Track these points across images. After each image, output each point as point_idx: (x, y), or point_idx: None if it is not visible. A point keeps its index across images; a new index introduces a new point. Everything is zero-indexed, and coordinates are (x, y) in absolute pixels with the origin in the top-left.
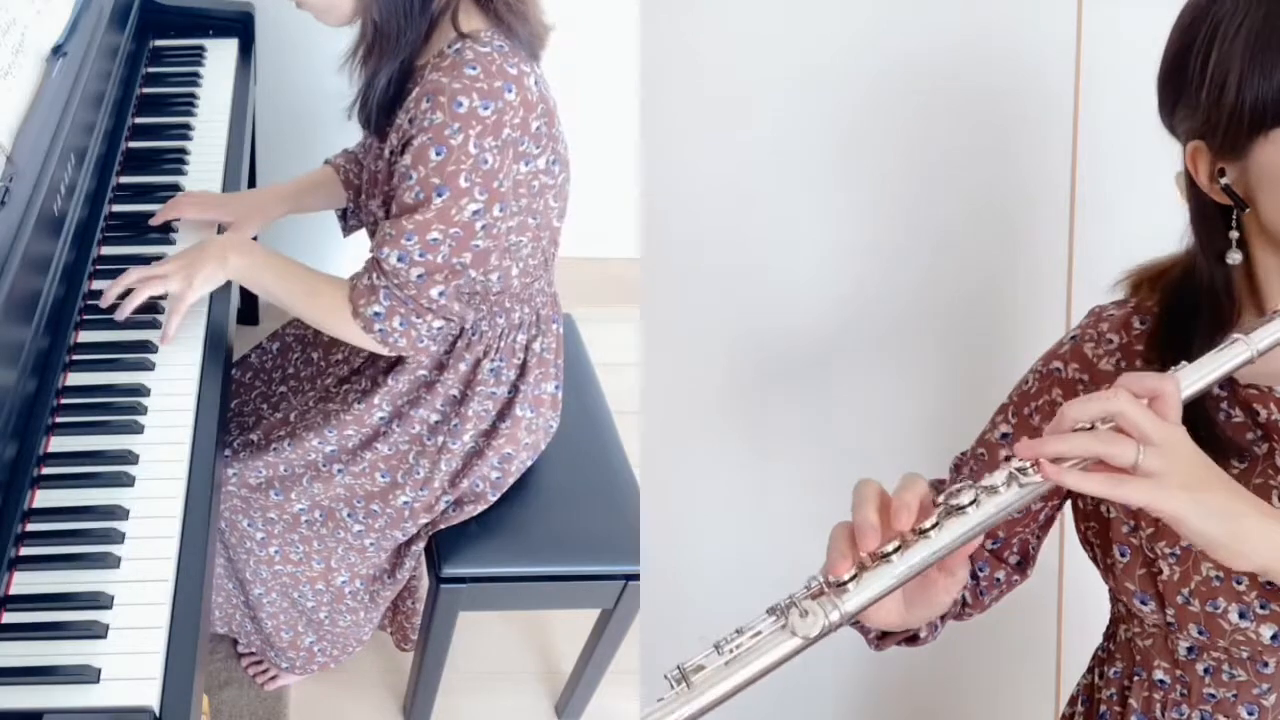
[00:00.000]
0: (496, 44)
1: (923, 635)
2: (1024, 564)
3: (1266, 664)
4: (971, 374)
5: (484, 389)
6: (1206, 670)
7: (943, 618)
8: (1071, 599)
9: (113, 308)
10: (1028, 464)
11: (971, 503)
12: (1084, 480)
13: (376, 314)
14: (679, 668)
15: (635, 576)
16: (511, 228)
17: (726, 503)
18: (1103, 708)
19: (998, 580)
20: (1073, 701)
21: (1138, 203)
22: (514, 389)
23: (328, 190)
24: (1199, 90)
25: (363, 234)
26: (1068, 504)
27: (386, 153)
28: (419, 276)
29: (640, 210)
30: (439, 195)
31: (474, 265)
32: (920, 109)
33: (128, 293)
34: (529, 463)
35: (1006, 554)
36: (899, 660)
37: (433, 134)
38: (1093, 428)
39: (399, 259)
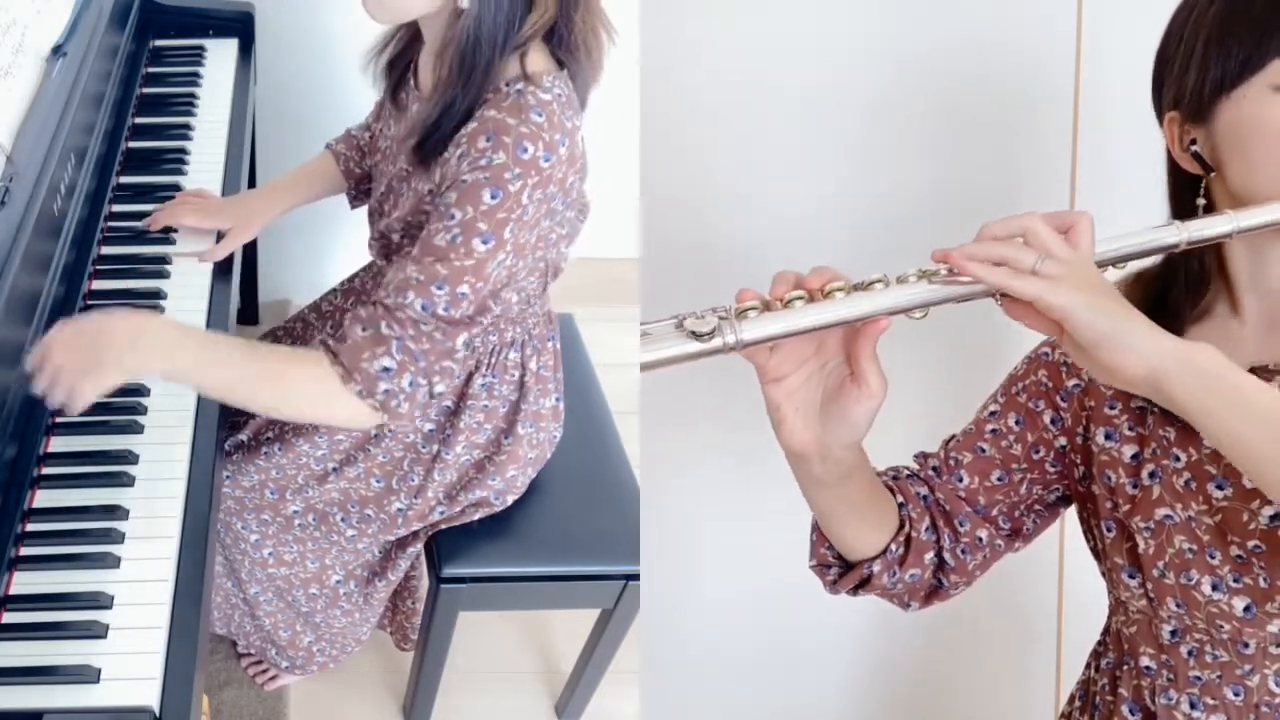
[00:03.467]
0: (557, 90)
1: (875, 571)
2: (1014, 536)
3: (1247, 644)
4: (971, 372)
5: (475, 403)
6: (1190, 653)
7: (901, 562)
8: (1071, 599)
9: (111, 300)
10: (941, 267)
11: (879, 281)
12: (984, 270)
13: (385, 369)
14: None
15: (635, 576)
16: (521, 273)
17: (726, 502)
18: (1097, 699)
19: (980, 539)
20: (1071, 700)
21: (1137, 202)
22: (513, 408)
23: (327, 180)
24: (1174, 64)
25: (362, 227)
26: (1071, 509)
27: (426, 188)
28: (442, 330)
29: (640, 210)
30: (484, 243)
31: (479, 314)
32: (921, 109)
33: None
34: (533, 475)
35: (994, 516)
36: (900, 660)
37: (491, 174)
38: None
39: (423, 307)
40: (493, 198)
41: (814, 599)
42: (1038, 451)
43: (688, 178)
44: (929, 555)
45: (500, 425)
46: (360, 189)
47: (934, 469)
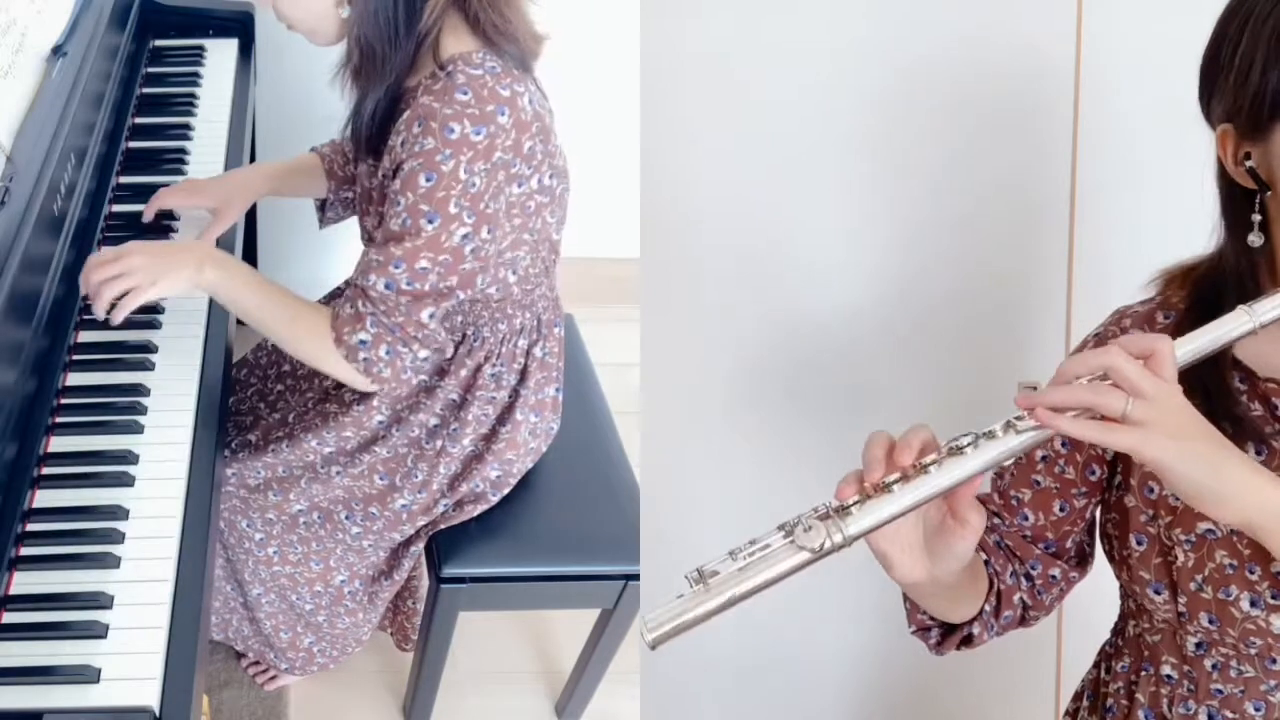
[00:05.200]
0: (489, 65)
1: (976, 632)
2: (1083, 562)
3: (1275, 660)
4: (970, 371)
5: (484, 394)
6: (1215, 666)
7: (996, 614)
8: (1072, 598)
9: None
10: (1025, 413)
11: (970, 444)
12: (1076, 426)
13: (362, 341)
14: (698, 570)
15: (635, 576)
16: (505, 246)
17: (726, 503)
18: (1109, 701)
19: (1053, 577)
20: (1077, 697)
21: (1137, 202)
22: (514, 393)
23: (311, 177)
24: (1228, 75)
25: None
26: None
27: (380, 175)
28: (407, 302)
29: (640, 210)
30: (429, 222)
31: (461, 287)
32: (921, 109)
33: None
34: (530, 465)
35: (1068, 548)
36: (900, 659)
37: (423, 159)
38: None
39: (386, 286)
40: (427, 180)
41: (813, 599)
42: (1092, 472)
43: (688, 178)
44: (1018, 596)
45: (502, 414)
46: (339, 195)
47: (995, 513)
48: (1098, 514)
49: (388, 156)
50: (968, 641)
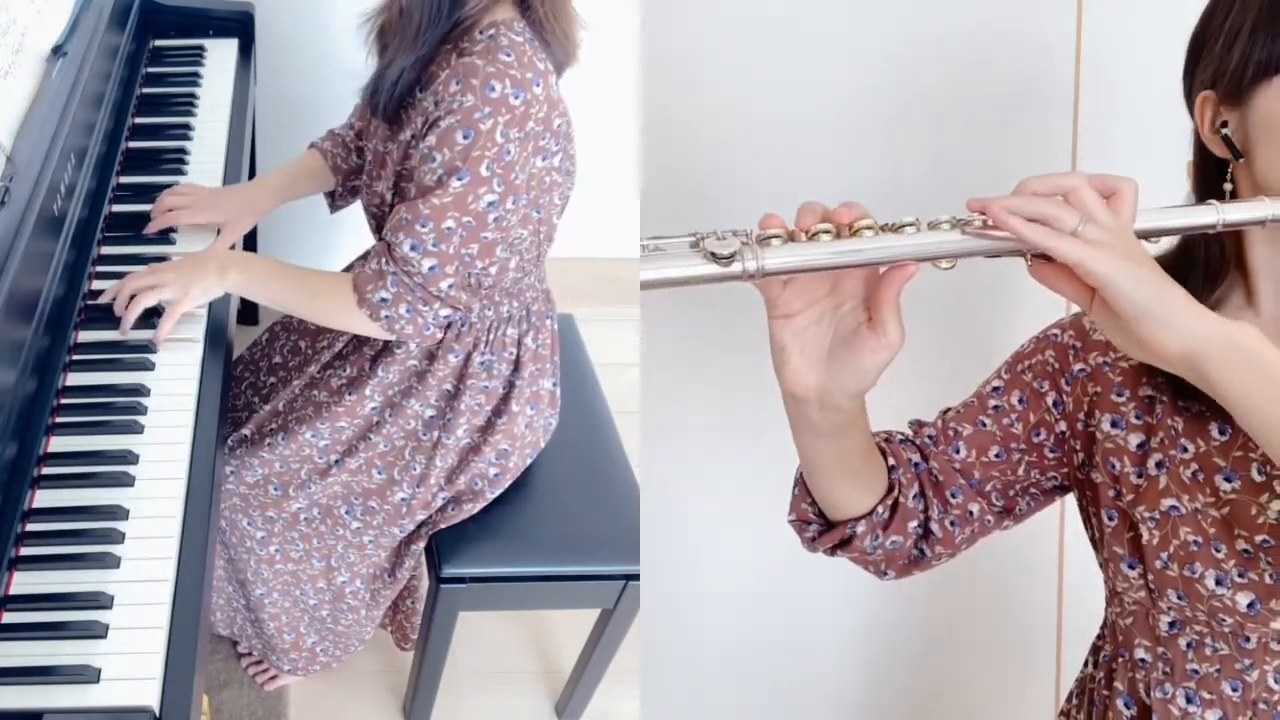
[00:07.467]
0: (529, 36)
1: (859, 532)
2: (1006, 514)
3: (1248, 638)
4: (972, 369)
5: (476, 383)
6: (1189, 645)
7: (886, 526)
8: (1071, 596)
9: (112, 307)
10: (976, 217)
11: (910, 225)
12: (1024, 227)
13: (383, 300)
14: None
15: (635, 576)
16: (518, 221)
17: (726, 502)
18: (1094, 695)
19: (971, 513)
20: (1070, 697)
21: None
22: (509, 384)
23: (317, 177)
24: (1216, 41)
25: (365, 229)
26: (1070, 498)
27: (408, 135)
28: (431, 268)
29: (640, 210)
30: (459, 179)
31: (480, 256)
32: (923, 110)
33: (129, 298)
34: (528, 461)
35: (988, 491)
36: (901, 659)
37: (461, 116)
38: None
39: (412, 248)
40: (465, 138)
41: (814, 598)
42: (1038, 434)
43: (688, 178)
44: (913, 524)
45: (498, 405)
46: (347, 185)
47: (930, 437)
48: (1079, 499)
49: (420, 118)
50: (846, 543)
